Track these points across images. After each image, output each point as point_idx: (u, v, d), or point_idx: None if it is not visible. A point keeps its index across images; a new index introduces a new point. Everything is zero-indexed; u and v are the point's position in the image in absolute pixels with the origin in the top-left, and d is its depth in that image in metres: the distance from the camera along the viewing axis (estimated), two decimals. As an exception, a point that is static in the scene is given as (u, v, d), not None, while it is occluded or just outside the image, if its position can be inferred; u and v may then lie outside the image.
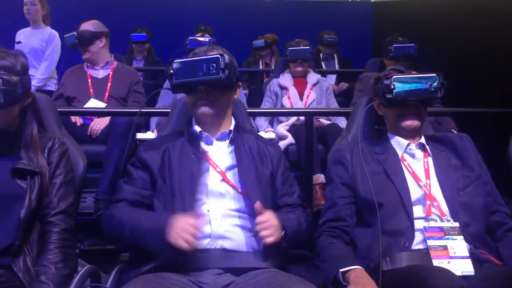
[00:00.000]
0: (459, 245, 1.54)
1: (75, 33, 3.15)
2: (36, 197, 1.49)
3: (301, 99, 3.58)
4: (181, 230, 1.38)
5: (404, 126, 1.73)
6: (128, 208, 1.55)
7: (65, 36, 3.21)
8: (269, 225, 1.45)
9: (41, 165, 1.53)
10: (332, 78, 5.21)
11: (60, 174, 1.57)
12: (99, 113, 2.96)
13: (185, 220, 1.40)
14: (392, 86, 1.69)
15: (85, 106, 3.04)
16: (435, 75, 1.71)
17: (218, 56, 1.55)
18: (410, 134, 1.75)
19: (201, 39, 3.96)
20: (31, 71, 3.90)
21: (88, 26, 3.19)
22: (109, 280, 1.46)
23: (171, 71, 1.58)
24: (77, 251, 1.60)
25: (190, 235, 1.37)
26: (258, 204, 1.46)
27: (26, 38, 4.17)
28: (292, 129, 3.32)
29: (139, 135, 2.92)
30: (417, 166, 1.72)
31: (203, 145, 1.65)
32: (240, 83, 1.74)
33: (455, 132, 3.08)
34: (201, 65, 1.55)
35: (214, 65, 1.54)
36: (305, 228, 1.62)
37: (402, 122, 1.73)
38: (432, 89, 1.70)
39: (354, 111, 1.99)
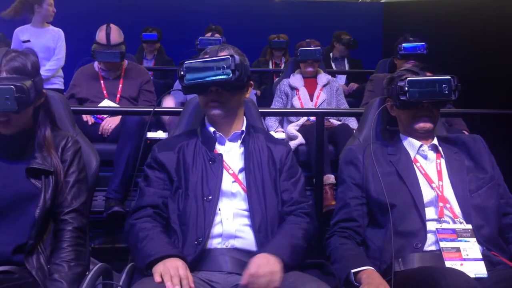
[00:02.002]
0: (472, 247, 1.54)
1: (119, 52, 3.06)
2: (51, 196, 1.50)
3: (311, 99, 3.58)
4: (172, 270, 1.33)
5: (417, 128, 1.73)
6: (147, 223, 1.52)
7: (98, 50, 3.09)
8: (258, 278, 1.35)
9: (55, 164, 1.53)
10: (342, 79, 5.20)
11: (73, 173, 1.58)
12: (114, 112, 2.98)
13: (178, 267, 1.34)
14: (406, 88, 1.68)
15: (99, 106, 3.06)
16: (449, 77, 1.69)
17: (229, 57, 1.55)
18: (422, 135, 1.75)
19: (211, 39, 3.96)
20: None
21: (117, 37, 3.12)
22: (122, 278, 1.46)
23: (182, 72, 1.58)
24: (89, 249, 1.61)
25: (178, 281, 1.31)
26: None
27: (34, 37, 4.00)
28: (302, 130, 3.32)
29: (150, 134, 2.94)
30: (430, 167, 1.71)
31: (216, 145, 1.65)
32: (252, 82, 1.73)
33: (466, 133, 3.06)
34: (211, 66, 1.55)
35: (225, 66, 1.54)
36: (305, 233, 1.56)
37: (415, 124, 1.73)
38: (446, 92, 1.68)
39: (366, 111, 1.98)
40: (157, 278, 1.32)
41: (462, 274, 1.32)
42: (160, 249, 1.41)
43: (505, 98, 3.84)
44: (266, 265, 1.37)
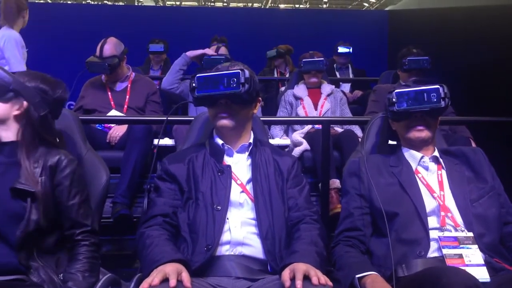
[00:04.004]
0: (474, 254, 1.56)
1: (107, 64, 3.11)
2: (38, 217, 1.48)
3: (316, 108, 3.61)
4: (171, 273, 1.30)
5: (412, 137, 1.76)
6: (155, 231, 1.55)
7: (90, 62, 3.15)
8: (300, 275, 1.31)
9: (38, 182, 1.51)
10: (346, 87, 5.23)
11: (76, 194, 1.58)
12: (126, 122, 3.02)
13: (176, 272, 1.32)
14: (394, 99, 1.74)
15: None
16: (437, 86, 1.74)
17: (239, 71, 1.61)
18: (420, 145, 1.78)
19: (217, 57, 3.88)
20: None
21: (111, 50, 3.16)
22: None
23: (194, 84, 1.64)
24: (100, 262, 1.63)
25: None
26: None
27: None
28: (307, 136, 3.35)
29: (156, 141, 2.96)
30: (431, 178, 1.74)
31: (224, 157, 1.70)
32: (260, 98, 1.79)
33: (471, 139, 3.06)
34: (222, 79, 1.61)
35: (235, 79, 1.60)
36: (322, 242, 1.57)
37: (409, 133, 1.77)
38: (435, 100, 1.72)
39: (368, 126, 2.00)
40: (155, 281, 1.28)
41: (463, 272, 1.33)
42: (163, 255, 1.42)
43: (510, 106, 3.83)
44: (300, 264, 1.35)
